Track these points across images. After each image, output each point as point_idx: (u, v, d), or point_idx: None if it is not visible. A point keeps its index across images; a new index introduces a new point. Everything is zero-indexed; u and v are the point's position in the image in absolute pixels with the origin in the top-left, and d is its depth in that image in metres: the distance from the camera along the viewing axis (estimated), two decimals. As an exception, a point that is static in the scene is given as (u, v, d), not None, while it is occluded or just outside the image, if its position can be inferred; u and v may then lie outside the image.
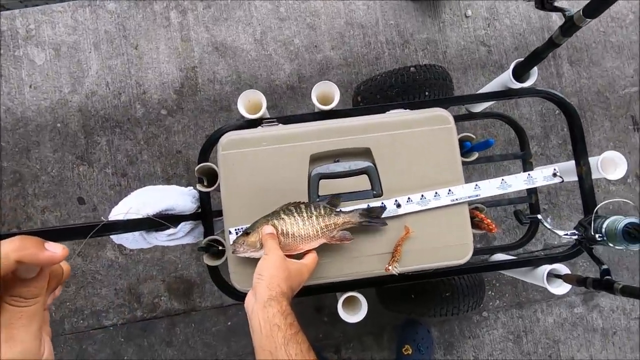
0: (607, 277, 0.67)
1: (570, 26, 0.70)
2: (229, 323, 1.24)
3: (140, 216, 0.61)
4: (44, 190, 1.26)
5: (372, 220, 0.68)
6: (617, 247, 0.62)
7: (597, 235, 0.63)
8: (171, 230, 0.68)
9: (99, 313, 1.24)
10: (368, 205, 0.69)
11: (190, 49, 1.31)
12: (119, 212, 0.61)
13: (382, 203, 0.70)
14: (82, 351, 1.22)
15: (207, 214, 0.81)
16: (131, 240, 0.64)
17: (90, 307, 1.24)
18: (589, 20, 0.67)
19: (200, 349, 1.24)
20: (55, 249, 0.28)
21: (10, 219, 1.25)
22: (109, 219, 0.59)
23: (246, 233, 0.66)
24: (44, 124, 1.27)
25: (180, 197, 0.72)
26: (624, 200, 0.73)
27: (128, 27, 1.30)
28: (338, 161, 0.73)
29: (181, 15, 1.31)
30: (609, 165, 0.83)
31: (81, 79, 1.29)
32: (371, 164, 0.72)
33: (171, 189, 0.75)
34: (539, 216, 0.76)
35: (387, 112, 0.76)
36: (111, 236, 0.60)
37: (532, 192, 1.05)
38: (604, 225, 0.62)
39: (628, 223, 0.58)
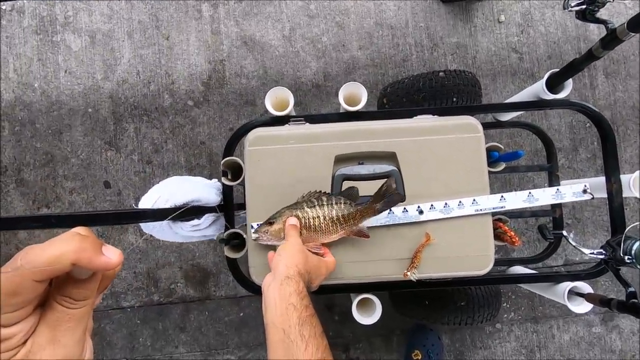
0: (634, 300, 0.65)
1: (612, 39, 0.68)
2: (242, 314, 1.27)
3: (169, 206, 0.63)
4: (73, 172, 1.31)
5: (389, 200, 0.66)
6: (646, 271, 0.60)
7: (626, 257, 0.62)
8: (195, 221, 0.69)
9: (118, 294, 1.28)
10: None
11: (219, 42, 1.33)
12: (148, 200, 0.63)
13: (405, 208, 0.70)
14: (100, 330, 1.27)
15: (229, 207, 0.83)
16: (159, 230, 0.66)
17: (111, 288, 1.28)
18: (633, 34, 0.65)
19: (212, 336, 1.26)
20: (112, 255, 0.27)
21: (40, 197, 1.31)
22: (139, 207, 0.61)
23: (270, 222, 0.67)
24: (76, 108, 1.32)
25: (205, 189, 0.74)
26: (658, 223, 0.70)
27: (161, 18, 1.33)
28: (362, 163, 0.73)
29: (213, 8, 1.33)
30: (642, 184, 0.80)
31: (113, 66, 1.33)
32: (395, 169, 0.72)
33: (198, 181, 0.76)
34: (564, 232, 0.75)
35: (415, 117, 0.76)
36: (141, 226, 0.62)
37: (556, 206, 1.02)
38: (634, 247, 0.60)
39: (661, 247, 0.56)
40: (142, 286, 1.28)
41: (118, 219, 0.54)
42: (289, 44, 1.32)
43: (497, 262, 1.12)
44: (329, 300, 1.26)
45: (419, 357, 1.15)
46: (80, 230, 0.27)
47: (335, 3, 1.33)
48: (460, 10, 1.32)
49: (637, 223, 0.69)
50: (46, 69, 1.33)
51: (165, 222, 0.63)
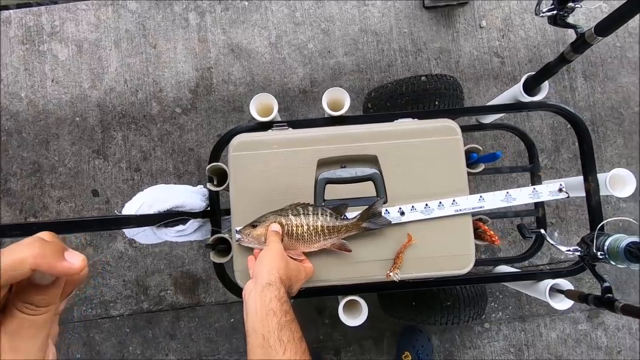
0: (609, 294, 0.67)
1: (582, 43, 0.71)
2: (232, 320, 1.27)
3: (152, 212, 0.64)
4: (61, 181, 1.31)
5: (375, 222, 0.69)
6: (618, 266, 0.62)
7: (599, 253, 0.63)
8: (180, 227, 0.70)
9: (107, 303, 1.27)
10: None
11: (206, 49, 1.34)
12: (132, 206, 0.64)
13: (386, 210, 0.71)
14: (89, 339, 1.26)
15: (215, 212, 0.84)
16: (142, 235, 0.66)
17: (99, 297, 1.27)
18: (601, 38, 0.68)
19: (203, 343, 1.26)
20: (75, 260, 0.26)
21: (27, 207, 1.30)
22: (122, 214, 0.61)
23: (253, 225, 0.68)
24: (63, 117, 1.32)
25: (190, 195, 0.75)
26: (627, 219, 0.72)
27: (148, 26, 1.34)
28: (345, 167, 0.74)
29: (199, 16, 1.35)
30: (618, 182, 0.83)
31: (101, 75, 1.33)
32: (377, 171, 0.73)
33: (182, 188, 0.77)
34: (542, 231, 0.77)
35: (395, 121, 0.78)
36: (124, 230, 0.63)
37: (539, 205, 1.04)
38: (606, 243, 0.62)
39: (630, 242, 0.58)
40: (131, 294, 1.27)
41: (101, 226, 0.54)
42: (275, 51, 1.34)
43: (484, 262, 1.14)
44: (319, 304, 1.27)
45: (409, 359, 1.16)
46: (43, 235, 0.26)
47: (320, 10, 1.35)
48: (443, 16, 1.35)
49: (608, 219, 0.71)
50: (33, 78, 1.33)
51: (149, 227, 0.63)
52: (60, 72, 1.33)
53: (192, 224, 0.75)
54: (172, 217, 0.65)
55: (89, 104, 1.32)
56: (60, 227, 0.49)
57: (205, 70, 1.34)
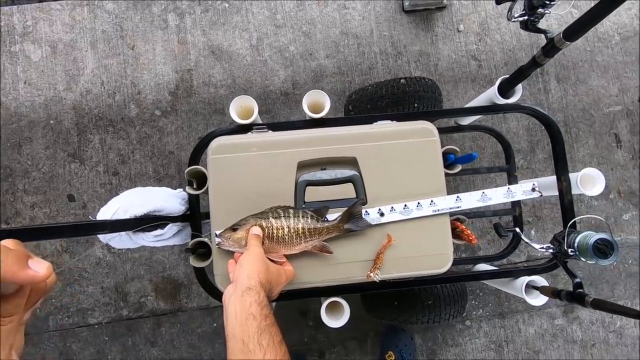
0: (580, 290, 0.69)
1: (551, 47, 0.73)
2: (215, 325, 1.25)
3: (128, 216, 0.62)
4: (34, 186, 1.26)
5: (355, 223, 0.70)
6: (588, 262, 0.64)
7: (570, 250, 0.66)
8: (158, 231, 0.69)
9: (85, 311, 1.24)
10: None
11: (186, 51, 1.32)
12: (107, 211, 0.62)
13: (366, 211, 0.72)
14: (65, 348, 1.22)
15: (195, 216, 0.83)
16: (118, 240, 0.65)
17: (76, 305, 1.24)
18: (569, 43, 0.70)
19: (185, 349, 1.24)
20: (39, 268, 0.25)
21: (-2, 213, 1.25)
22: (97, 219, 0.60)
23: (233, 229, 0.68)
24: (37, 120, 1.28)
25: (168, 199, 0.73)
26: (594, 216, 0.75)
27: (125, 27, 1.32)
28: (325, 169, 0.75)
29: (179, 18, 1.33)
30: (588, 181, 0.86)
31: (76, 77, 1.30)
32: (357, 173, 0.74)
33: (160, 191, 0.76)
34: (517, 229, 0.79)
35: (375, 123, 0.79)
36: (99, 236, 0.61)
37: (515, 204, 1.07)
38: (577, 240, 0.64)
39: (598, 239, 0.61)
40: (109, 301, 1.24)
41: (74, 232, 0.53)
42: (256, 53, 1.34)
43: (463, 261, 1.16)
44: (302, 307, 1.27)
45: (393, 358, 1.17)
46: (6, 242, 0.26)
47: (301, 13, 1.36)
48: (422, 19, 1.38)
49: (578, 217, 0.74)
50: (4, 80, 1.29)
51: (125, 232, 0.62)
52: (33, 74, 1.29)
53: (171, 228, 0.73)
54: (149, 222, 0.64)
55: (64, 106, 1.29)
56: (29, 234, 0.47)
57: (185, 72, 1.32)
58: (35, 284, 0.26)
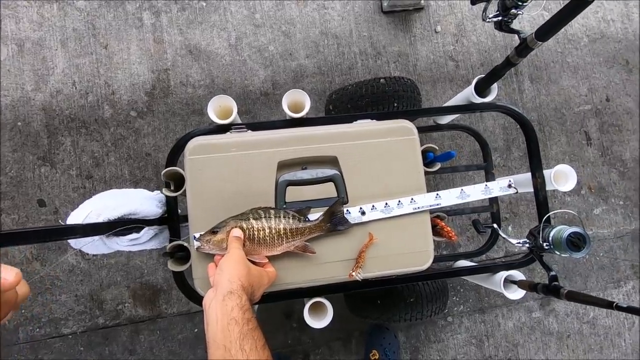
0: (555, 283, 0.71)
1: (524, 47, 0.75)
2: (196, 330, 1.22)
3: (101, 220, 0.60)
4: (1, 191, 1.20)
5: (337, 223, 0.69)
6: (562, 255, 0.66)
7: (544, 244, 0.68)
8: (134, 235, 0.67)
9: (58, 321, 1.18)
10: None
11: (162, 51, 1.29)
12: (79, 215, 0.59)
13: (347, 210, 0.72)
14: (37, 361, 1.17)
15: (173, 218, 0.80)
16: (91, 246, 0.62)
17: (48, 315, 1.18)
18: (541, 42, 0.72)
19: (165, 357, 1.21)
20: (8, 275, 0.24)
21: (-38, 221, 1.18)
22: (67, 223, 0.57)
23: (213, 231, 0.66)
24: (3, 122, 1.22)
25: (144, 201, 0.71)
26: (567, 211, 0.78)
27: (98, 25, 1.27)
28: (305, 169, 0.74)
29: (154, 16, 1.30)
30: (561, 177, 0.89)
31: (46, 76, 1.24)
32: (337, 172, 0.74)
33: (135, 193, 0.73)
34: (495, 225, 0.80)
35: (355, 122, 0.79)
36: (69, 241, 0.59)
37: (493, 201, 1.10)
38: (551, 235, 0.66)
39: (571, 232, 0.63)
40: (84, 310, 1.19)
41: (41, 237, 0.50)
42: (235, 53, 1.32)
43: (444, 258, 1.18)
44: (287, 309, 1.25)
45: (377, 357, 1.17)
46: None
47: (280, 13, 1.35)
48: (400, 20, 1.39)
49: (552, 212, 0.76)
50: (-34, 80, 1.22)
51: (97, 237, 0.60)
52: (-2, 73, 1.23)
53: (147, 231, 0.71)
54: (122, 226, 0.62)
55: (32, 107, 1.23)
56: (-7, 241, 0.45)
57: (162, 72, 1.29)
58: (3, 292, 0.24)
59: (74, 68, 1.25)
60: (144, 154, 1.26)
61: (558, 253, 0.67)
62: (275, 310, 1.25)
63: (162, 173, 0.75)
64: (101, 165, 1.24)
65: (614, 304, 0.55)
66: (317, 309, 0.83)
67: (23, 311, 1.17)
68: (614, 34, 1.50)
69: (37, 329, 1.18)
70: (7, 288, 0.24)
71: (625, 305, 0.54)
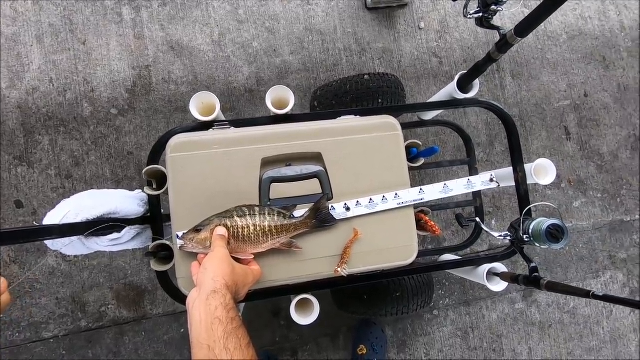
0: (535, 274, 0.73)
1: (504, 44, 0.76)
2: (182, 330, 1.21)
3: (79, 220, 0.58)
4: (-25, 192, 1.16)
5: (323, 219, 0.69)
6: (542, 247, 0.68)
7: (525, 236, 0.69)
8: (114, 235, 0.65)
9: (38, 325, 1.15)
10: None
11: (144, 47, 1.26)
12: (55, 216, 0.58)
13: (332, 206, 0.72)
14: (17, 367, 1.13)
15: (156, 218, 0.79)
16: (70, 247, 0.60)
17: (28, 319, 1.15)
18: (520, 38, 0.74)
19: (151, 358, 1.19)
20: None
21: None
22: (43, 224, 0.55)
23: (197, 230, 0.65)
24: (-24, 120, 1.17)
25: (125, 201, 0.70)
26: (547, 203, 0.80)
27: (75, 21, 1.24)
28: (290, 165, 0.74)
29: (134, 11, 1.27)
30: (541, 171, 0.90)
31: (21, 73, 1.20)
32: (322, 169, 0.73)
33: (115, 193, 0.72)
34: (477, 219, 0.82)
35: (339, 118, 0.79)
36: (46, 242, 0.57)
37: (477, 196, 1.12)
38: (531, 227, 0.68)
39: (550, 225, 0.64)
40: (66, 313, 1.16)
41: (15, 238, 0.48)
42: (219, 49, 1.30)
43: (430, 253, 1.19)
44: (274, 307, 1.25)
45: (364, 352, 1.18)
46: None
47: (264, 9, 1.33)
48: (385, 17, 1.40)
49: (532, 205, 0.78)
50: None
51: (76, 237, 0.58)
52: (-30, 70, 1.18)
53: (129, 231, 0.70)
54: (101, 225, 0.60)
55: (7, 105, 1.19)
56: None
57: (143, 68, 1.26)
58: None
59: (50, 65, 1.22)
60: (125, 153, 1.23)
61: (538, 245, 0.69)
62: (262, 308, 1.25)
63: (144, 171, 0.74)
64: (81, 164, 1.21)
65: (591, 293, 0.56)
66: (303, 305, 0.83)
67: (1, 316, 1.14)
68: (591, 31, 1.54)
69: (17, 334, 1.14)
70: None
71: (601, 294, 0.55)
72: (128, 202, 0.71)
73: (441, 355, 1.32)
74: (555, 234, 0.63)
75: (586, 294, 0.58)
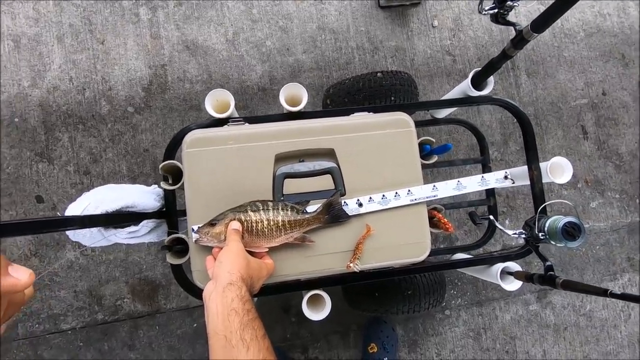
0: (551, 272, 0.72)
1: (520, 39, 0.75)
2: (195, 325, 1.23)
3: (99, 212, 0.60)
4: (-1, 187, 1.20)
5: (335, 214, 0.70)
6: (558, 245, 0.67)
7: (540, 234, 0.68)
8: (132, 228, 0.67)
9: (57, 316, 1.19)
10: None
11: (160, 46, 1.29)
12: (77, 207, 0.60)
13: (345, 202, 0.72)
14: (36, 357, 1.17)
15: (171, 212, 0.81)
16: (89, 237, 0.62)
17: (47, 311, 1.18)
18: (536, 34, 0.73)
19: (165, 352, 1.21)
20: (21, 275, 0.23)
21: (-41, 217, 1.18)
22: (65, 215, 0.57)
23: (212, 224, 0.66)
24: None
25: (142, 195, 0.71)
26: (563, 201, 0.79)
27: (94, 21, 1.27)
28: (303, 161, 0.74)
29: (151, 12, 1.30)
30: (557, 170, 0.89)
31: (42, 72, 1.24)
32: (335, 165, 0.74)
33: (133, 187, 0.74)
34: (491, 217, 0.81)
35: (352, 115, 0.79)
36: (67, 232, 0.59)
37: (490, 195, 1.10)
38: (547, 225, 0.67)
39: (567, 222, 0.63)
40: (83, 305, 1.19)
41: (39, 228, 0.50)
42: (232, 48, 1.32)
43: (442, 252, 1.18)
44: (285, 304, 1.26)
45: (375, 350, 1.18)
46: None
47: (277, 8, 1.35)
48: (397, 15, 1.39)
49: (548, 202, 0.77)
50: (-38, 76, 1.22)
51: (96, 228, 0.60)
52: (-6, 70, 1.23)
53: (146, 224, 0.71)
54: (121, 218, 0.62)
55: (29, 103, 1.23)
56: (-8, 232, 0.45)
57: (159, 67, 1.29)
58: (17, 292, 0.24)
59: (70, 64, 1.25)
60: (141, 150, 1.26)
61: (554, 243, 0.68)
62: (273, 304, 1.26)
63: (160, 166, 0.75)
64: (99, 161, 1.24)
65: (608, 292, 0.55)
66: (315, 301, 0.84)
67: (22, 307, 1.17)
68: (610, 27, 1.50)
69: (37, 325, 1.18)
70: (20, 289, 0.24)
71: (619, 293, 0.54)
72: (145, 196, 0.73)
73: (453, 356, 1.31)
74: (571, 231, 0.62)
75: (603, 293, 0.57)
